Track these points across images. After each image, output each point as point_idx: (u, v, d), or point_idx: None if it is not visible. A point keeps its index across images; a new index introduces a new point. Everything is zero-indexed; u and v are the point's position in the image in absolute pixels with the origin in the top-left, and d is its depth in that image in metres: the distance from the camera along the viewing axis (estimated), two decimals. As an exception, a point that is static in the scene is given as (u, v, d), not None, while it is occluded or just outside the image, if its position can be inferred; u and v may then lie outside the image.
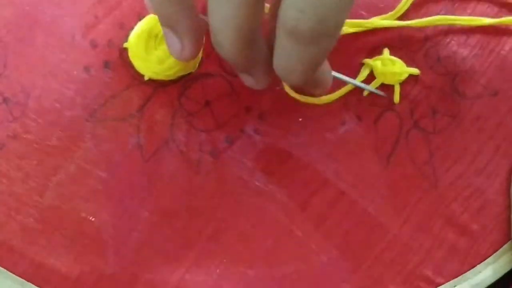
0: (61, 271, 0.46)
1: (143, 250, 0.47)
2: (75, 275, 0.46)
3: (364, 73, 0.51)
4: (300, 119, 0.50)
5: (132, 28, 0.50)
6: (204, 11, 0.40)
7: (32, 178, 0.47)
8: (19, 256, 0.46)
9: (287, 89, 0.50)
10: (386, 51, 0.51)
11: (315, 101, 0.50)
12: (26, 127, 0.48)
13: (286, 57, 0.39)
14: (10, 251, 0.46)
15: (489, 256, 0.50)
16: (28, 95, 0.48)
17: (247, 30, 0.39)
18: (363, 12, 0.52)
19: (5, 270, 0.46)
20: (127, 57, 0.50)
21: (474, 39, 0.52)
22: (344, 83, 0.50)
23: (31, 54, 0.49)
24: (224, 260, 0.48)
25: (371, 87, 0.50)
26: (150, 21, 0.49)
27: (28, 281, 0.46)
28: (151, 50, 0.49)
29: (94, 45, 0.50)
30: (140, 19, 0.50)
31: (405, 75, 0.51)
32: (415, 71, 0.51)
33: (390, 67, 0.50)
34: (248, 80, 0.45)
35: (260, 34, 0.41)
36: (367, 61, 0.51)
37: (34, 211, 0.47)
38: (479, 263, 0.49)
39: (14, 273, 0.46)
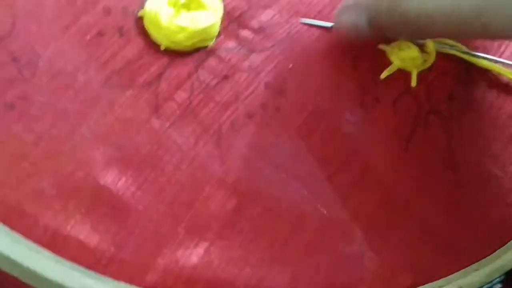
0: (78, 239, 0.46)
1: (166, 221, 0.47)
2: (93, 243, 0.46)
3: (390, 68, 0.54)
4: (319, 98, 0.53)
5: (147, -5, 0.51)
6: None
7: (45, 141, 0.47)
8: (33, 221, 0.45)
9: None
10: (403, 36, 0.55)
11: None
12: (37, 89, 0.48)
13: None
14: (23, 216, 0.45)
15: (508, 242, 0.53)
16: (39, 56, 0.49)
17: None
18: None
19: (19, 236, 0.45)
20: (143, 25, 0.51)
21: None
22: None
23: (41, 14, 0.49)
24: (248, 235, 0.49)
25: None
26: (168, -12, 0.51)
27: (43, 247, 0.45)
28: (170, 18, 0.51)
29: (107, 11, 0.51)
30: (156, -14, 0.52)
31: (422, 60, 0.55)
32: (431, 55, 0.55)
33: (408, 52, 0.54)
34: None
35: None
36: (383, 47, 0.55)
37: (47, 176, 0.46)
38: (499, 248, 0.53)
39: (28, 239, 0.45)
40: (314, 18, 0.54)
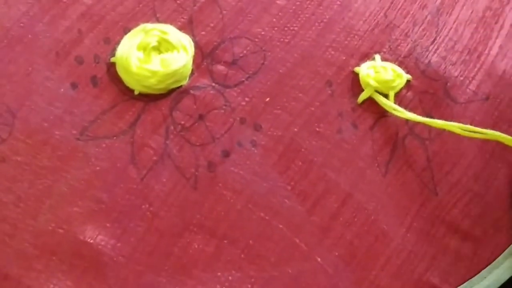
0: (60, 297, 0.48)
1: (145, 271, 0.49)
2: (76, 301, 0.48)
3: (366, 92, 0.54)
4: (296, 129, 0.53)
5: (118, 42, 0.52)
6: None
7: (24, 201, 0.48)
8: (16, 283, 0.47)
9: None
10: (377, 58, 0.55)
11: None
12: (14, 149, 0.49)
13: None
14: (6, 279, 0.47)
15: (493, 261, 0.53)
16: (14, 115, 0.50)
17: None
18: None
19: (3, 299, 0.47)
20: (115, 72, 0.52)
21: (460, 45, 0.57)
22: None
23: (14, 72, 0.50)
24: (229, 278, 0.50)
25: None
26: (137, 33, 0.52)
27: (27, 309, 0.47)
28: (141, 64, 0.51)
29: (79, 61, 0.52)
30: (125, 33, 0.52)
31: (398, 82, 0.54)
32: (407, 76, 0.55)
33: (383, 75, 0.54)
34: None
35: None
36: (358, 70, 0.55)
37: (28, 236, 0.48)
38: (483, 268, 0.53)
39: (12, 302, 0.47)
40: (288, 42, 0.55)
